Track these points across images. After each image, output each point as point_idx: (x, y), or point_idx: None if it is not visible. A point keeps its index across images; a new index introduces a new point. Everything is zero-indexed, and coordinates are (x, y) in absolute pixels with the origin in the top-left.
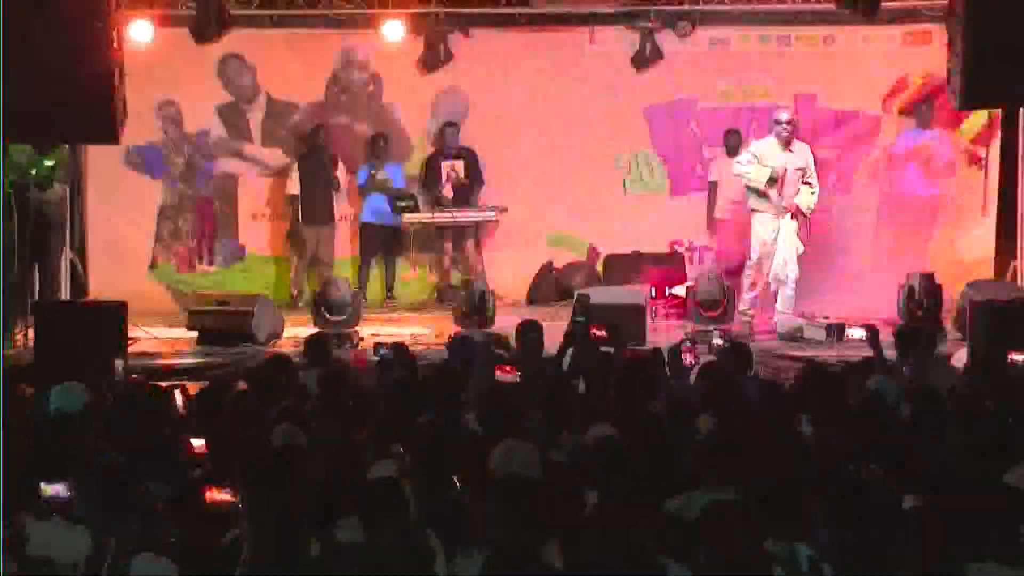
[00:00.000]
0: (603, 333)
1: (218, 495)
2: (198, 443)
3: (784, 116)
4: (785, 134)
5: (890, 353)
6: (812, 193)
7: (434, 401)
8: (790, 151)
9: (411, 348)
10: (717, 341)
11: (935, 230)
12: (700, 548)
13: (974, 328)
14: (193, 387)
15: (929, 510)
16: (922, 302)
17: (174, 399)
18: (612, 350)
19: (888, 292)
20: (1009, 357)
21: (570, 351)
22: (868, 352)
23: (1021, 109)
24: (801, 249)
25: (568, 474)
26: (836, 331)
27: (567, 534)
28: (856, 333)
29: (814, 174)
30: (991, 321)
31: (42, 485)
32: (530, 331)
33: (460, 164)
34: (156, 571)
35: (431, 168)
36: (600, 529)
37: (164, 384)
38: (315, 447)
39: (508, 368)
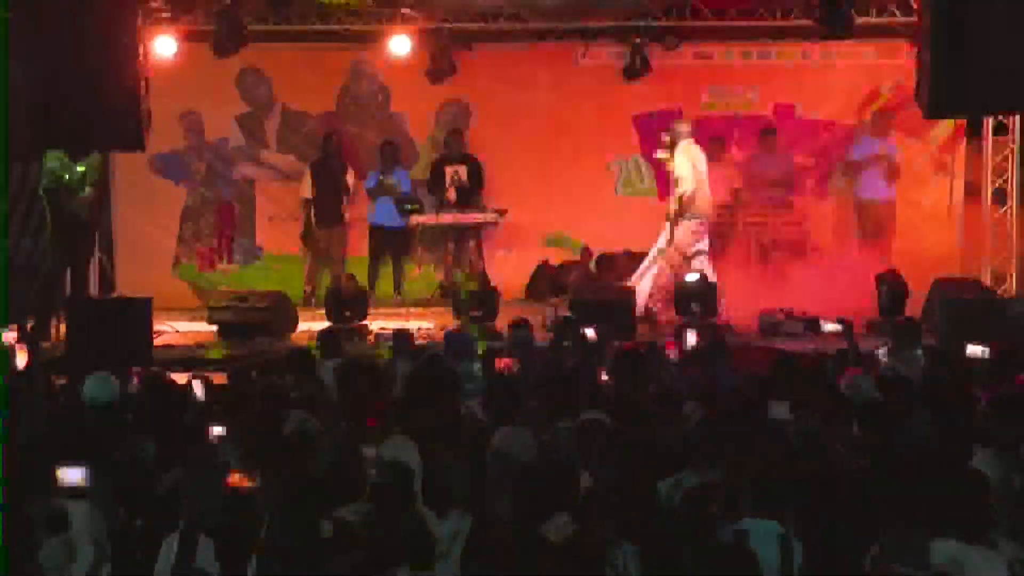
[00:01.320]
0: (592, 334)
1: (239, 480)
2: (217, 430)
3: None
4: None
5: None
6: (678, 196)
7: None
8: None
9: (416, 340)
10: (692, 339)
11: (901, 231)
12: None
13: (940, 322)
14: (216, 377)
15: (898, 491)
16: (891, 298)
17: (194, 390)
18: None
19: (858, 289)
20: (967, 349)
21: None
22: (842, 344)
23: (985, 119)
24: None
25: (563, 457)
26: (811, 325)
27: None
28: (830, 327)
29: (682, 177)
30: (956, 316)
31: (58, 472)
32: (520, 328)
33: (463, 169)
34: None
35: (436, 173)
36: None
37: (186, 375)
38: (328, 434)
39: (506, 360)
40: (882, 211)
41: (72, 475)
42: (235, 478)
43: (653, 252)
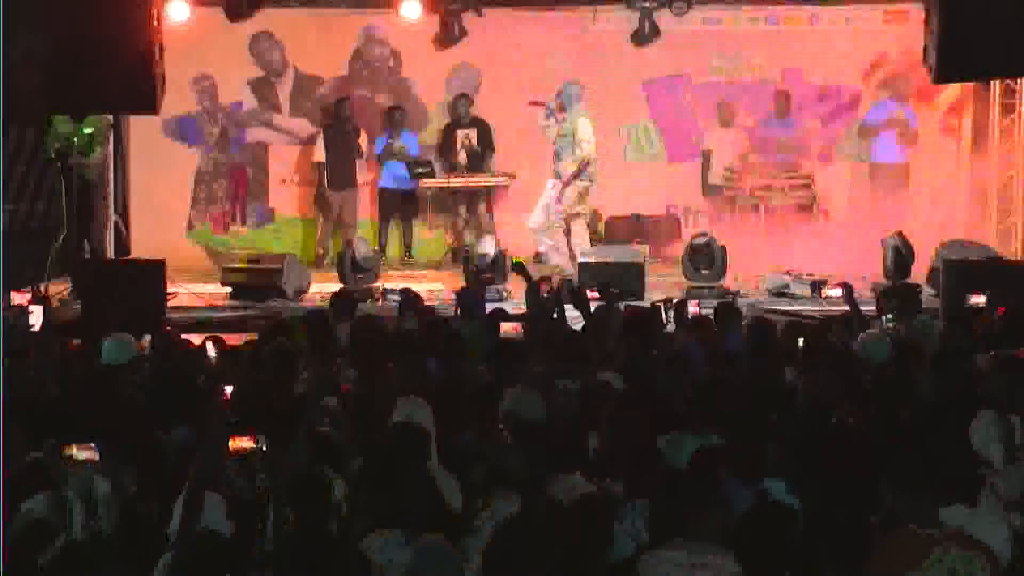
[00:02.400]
0: (594, 293)
1: (241, 443)
2: (230, 390)
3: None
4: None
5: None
6: (581, 158)
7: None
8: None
9: (427, 302)
10: (693, 309)
11: (911, 193)
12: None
13: (947, 285)
14: (230, 338)
15: (906, 458)
16: (897, 260)
17: (207, 351)
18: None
19: (869, 252)
20: (969, 300)
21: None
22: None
23: (993, 82)
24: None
25: (571, 418)
26: (818, 288)
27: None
28: (833, 292)
29: (585, 139)
30: (963, 278)
31: (73, 449)
32: (535, 291)
33: (473, 133)
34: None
35: (447, 137)
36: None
37: (200, 336)
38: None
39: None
40: (895, 174)
41: (83, 451)
42: (237, 440)
43: (549, 214)
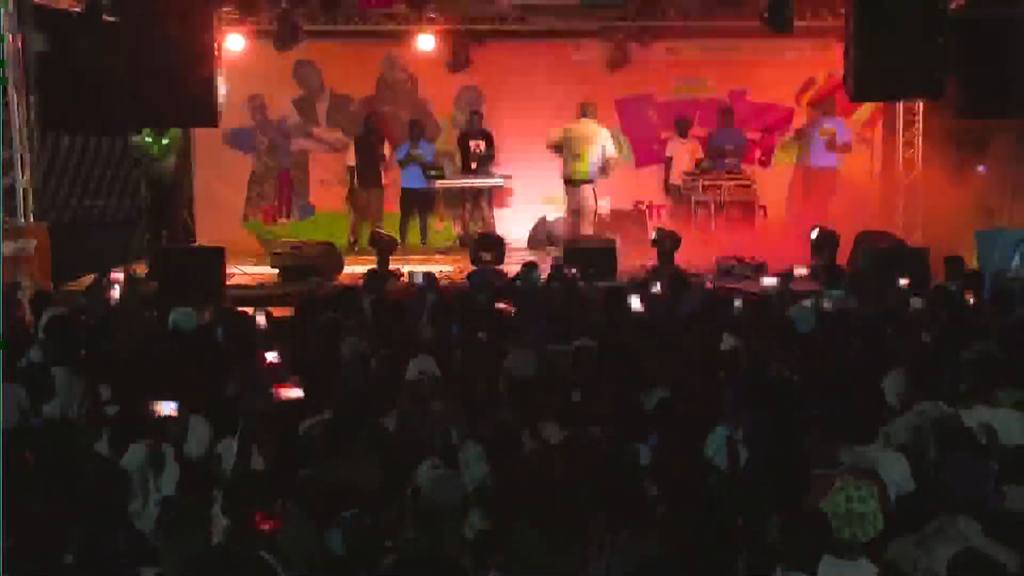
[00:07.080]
0: (576, 272)
1: (287, 392)
2: (271, 356)
3: None
4: None
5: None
6: None
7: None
8: None
9: (439, 281)
10: (657, 289)
11: (836, 193)
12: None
13: (863, 267)
14: (277, 311)
15: (827, 407)
16: (824, 248)
17: (257, 321)
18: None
19: (800, 240)
20: (898, 282)
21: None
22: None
23: (897, 103)
24: None
25: (558, 376)
26: (759, 269)
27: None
28: (770, 280)
29: None
30: (876, 262)
31: (159, 404)
32: (531, 270)
33: (483, 143)
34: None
35: (463, 145)
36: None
37: (251, 309)
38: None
39: (507, 301)
40: (827, 177)
41: (166, 407)
42: (281, 391)
43: None
